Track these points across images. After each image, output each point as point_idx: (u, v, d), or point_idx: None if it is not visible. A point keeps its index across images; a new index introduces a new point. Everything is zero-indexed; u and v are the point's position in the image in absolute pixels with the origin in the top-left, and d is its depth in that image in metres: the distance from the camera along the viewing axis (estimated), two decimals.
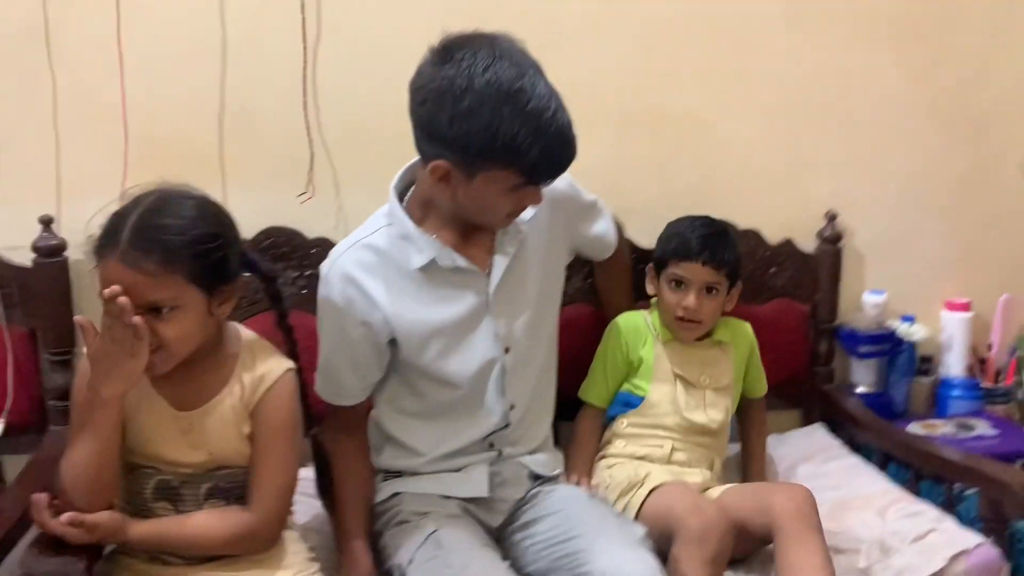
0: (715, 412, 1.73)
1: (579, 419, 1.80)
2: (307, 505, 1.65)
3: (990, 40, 2.19)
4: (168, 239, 1.22)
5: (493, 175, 1.31)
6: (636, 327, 1.77)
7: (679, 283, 1.71)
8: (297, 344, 1.44)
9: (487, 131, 1.25)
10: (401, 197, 1.48)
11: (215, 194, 1.33)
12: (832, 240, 2.10)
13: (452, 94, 1.26)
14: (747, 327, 1.85)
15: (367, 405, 1.57)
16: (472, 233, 1.47)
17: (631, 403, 1.74)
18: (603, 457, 1.74)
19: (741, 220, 2.03)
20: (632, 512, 1.58)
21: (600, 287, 1.85)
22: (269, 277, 1.43)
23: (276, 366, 1.34)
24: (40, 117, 1.74)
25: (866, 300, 2.14)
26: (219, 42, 1.78)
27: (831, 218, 2.10)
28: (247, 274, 1.38)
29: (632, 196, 2.01)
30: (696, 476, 1.68)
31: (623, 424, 1.74)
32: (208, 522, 1.31)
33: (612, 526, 1.44)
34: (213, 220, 1.28)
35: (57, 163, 1.76)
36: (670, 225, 1.79)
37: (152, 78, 1.75)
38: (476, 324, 1.49)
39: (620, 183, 1.98)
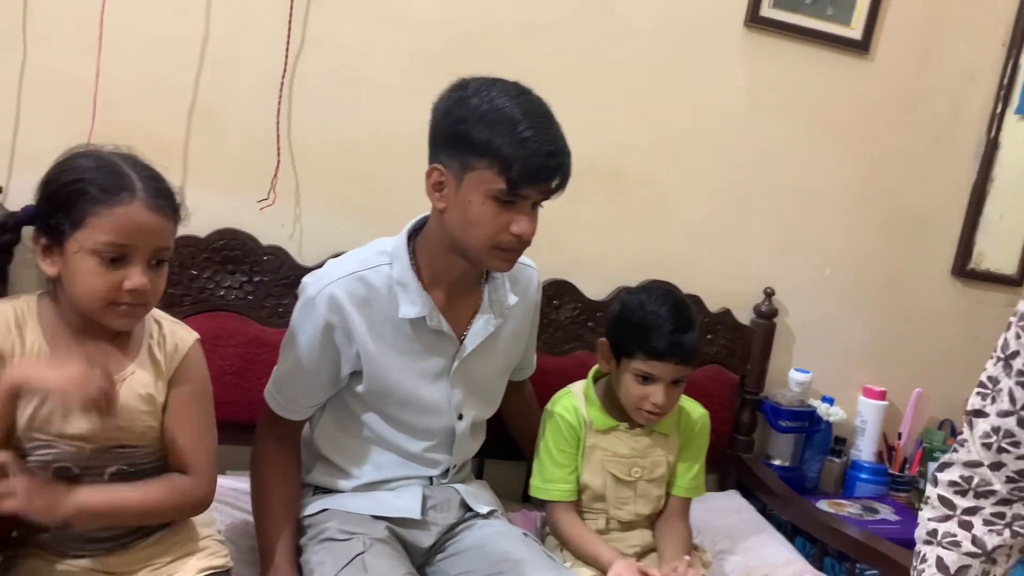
0: (643, 504, 1.64)
1: (556, 519, 1.62)
2: (225, 514, 1.63)
3: (931, 148, 2.33)
4: (168, 188, 1.25)
5: (480, 176, 1.35)
6: (575, 415, 1.64)
7: (646, 378, 1.57)
8: None
9: (483, 126, 1.33)
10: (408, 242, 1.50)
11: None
12: (767, 315, 2.18)
13: (468, 98, 1.36)
14: (698, 414, 1.72)
15: (305, 421, 1.57)
16: (457, 296, 1.51)
17: None
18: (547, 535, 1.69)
19: (683, 284, 2.10)
20: None
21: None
22: None
23: (186, 335, 1.35)
24: (3, 86, 1.71)
25: (792, 377, 2.23)
26: (200, 36, 1.77)
27: (769, 294, 2.19)
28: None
29: (581, 250, 2.08)
30: (635, 539, 1.65)
31: None
32: (158, 491, 1.29)
33: (542, 565, 1.45)
34: None
35: (14, 135, 1.72)
36: (631, 308, 1.60)
37: (129, 63, 1.73)
38: (437, 387, 1.52)
39: (571, 237, 2.05)
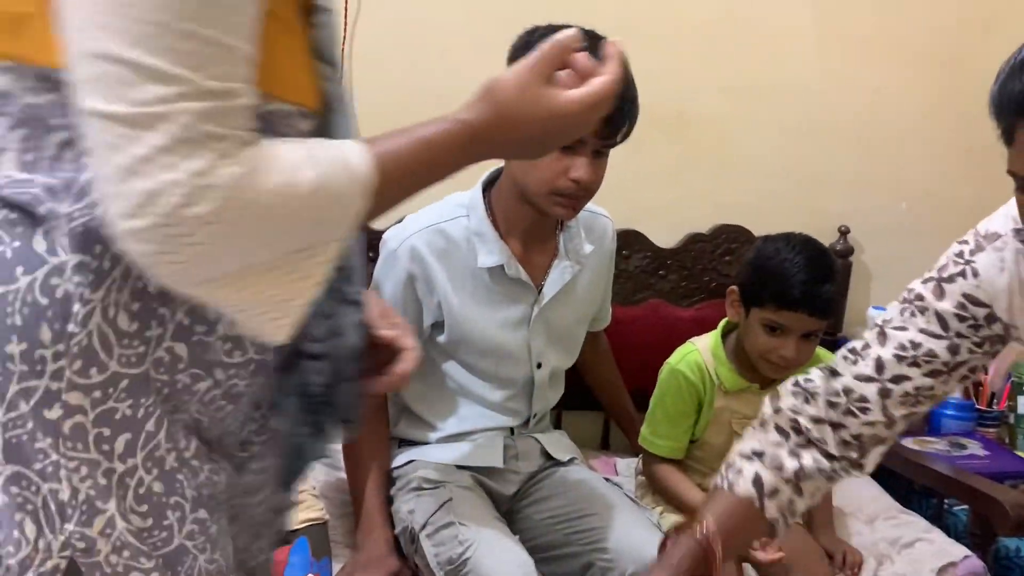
0: None
1: (656, 470, 1.62)
2: (317, 471, 1.69)
3: None
4: None
5: None
6: (700, 375, 1.58)
7: (775, 328, 1.50)
8: None
9: None
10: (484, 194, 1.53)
11: None
12: (843, 254, 2.15)
13: (532, 43, 1.37)
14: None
15: None
16: (534, 245, 1.54)
17: None
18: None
19: (755, 227, 2.08)
20: None
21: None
22: None
23: None
24: None
25: (871, 315, 2.19)
26: None
27: (844, 233, 2.15)
28: None
29: (649, 197, 2.07)
30: None
31: None
32: None
33: (628, 508, 1.49)
34: None
35: None
36: (766, 255, 1.53)
37: None
38: (516, 335, 1.55)
39: (637, 185, 2.03)
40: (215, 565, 0.76)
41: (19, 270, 0.65)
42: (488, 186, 1.54)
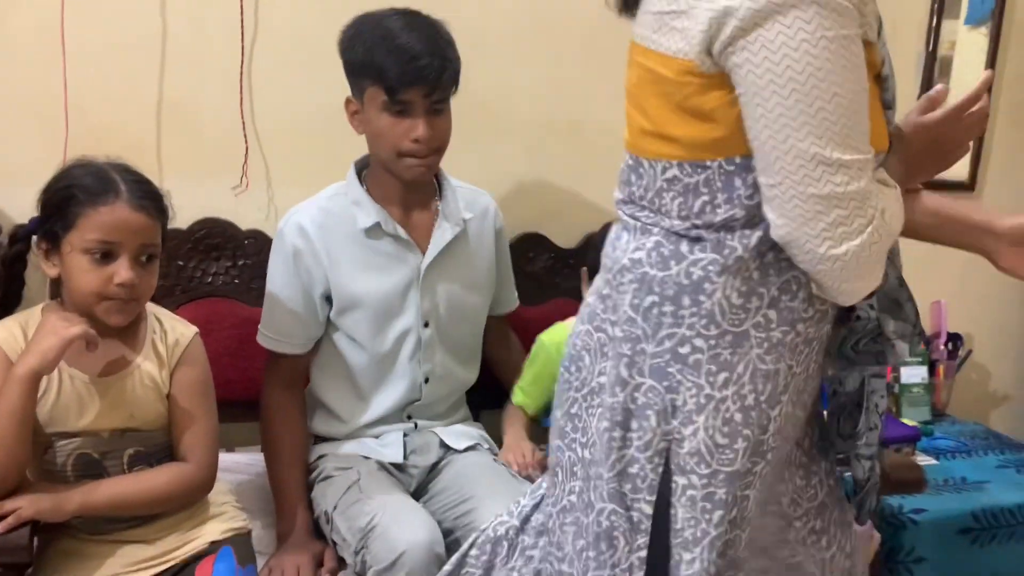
0: None
1: (506, 414, 1.80)
2: (235, 482, 1.72)
3: None
4: (154, 191, 1.34)
5: (370, 93, 1.51)
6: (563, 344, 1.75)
7: None
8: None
9: (362, 47, 1.50)
10: (359, 175, 1.65)
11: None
12: None
13: (356, 28, 1.53)
14: None
15: (306, 363, 1.68)
16: (413, 212, 1.64)
17: None
18: None
19: None
20: None
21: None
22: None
23: (186, 330, 1.45)
24: None
25: None
26: (159, 35, 1.83)
27: None
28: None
29: (549, 201, 2.14)
30: None
31: None
32: (156, 479, 1.38)
33: (503, 486, 1.56)
34: None
35: None
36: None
37: (93, 69, 1.79)
38: (403, 297, 1.63)
39: (538, 189, 2.12)
40: (756, 504, 1.07)
41: (672, 263, 1.04)
42: (361, 171, 1.65)
